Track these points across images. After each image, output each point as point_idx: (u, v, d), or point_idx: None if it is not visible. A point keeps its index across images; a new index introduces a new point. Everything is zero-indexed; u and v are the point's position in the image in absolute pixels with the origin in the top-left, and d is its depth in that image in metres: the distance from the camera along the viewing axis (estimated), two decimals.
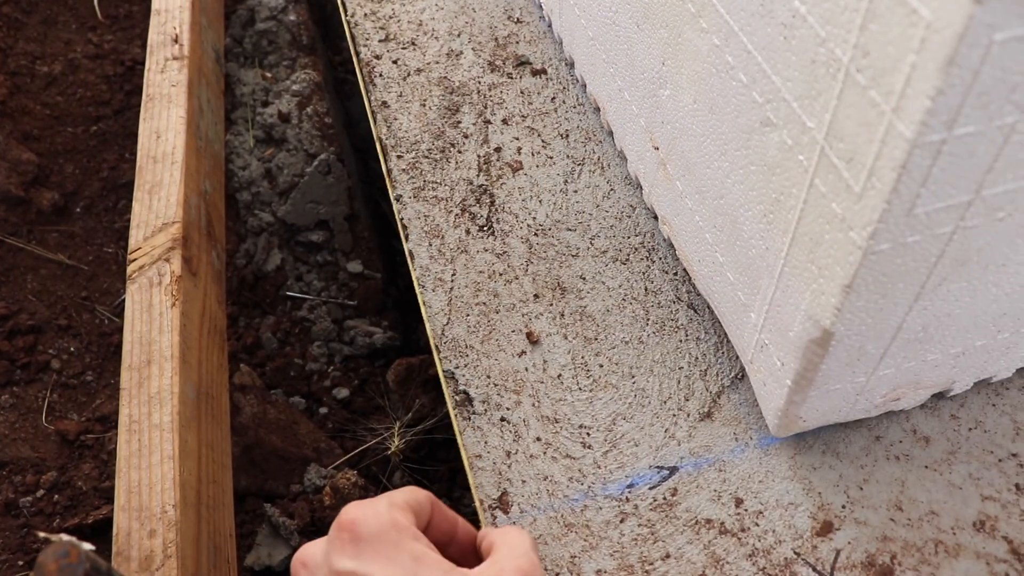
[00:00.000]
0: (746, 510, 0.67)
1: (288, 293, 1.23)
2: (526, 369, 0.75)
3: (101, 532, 1.03)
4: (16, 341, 1.20)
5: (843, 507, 0.67)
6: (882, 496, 0.68)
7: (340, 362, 1.21)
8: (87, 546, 0.49)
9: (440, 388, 1.06)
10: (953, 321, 0.59)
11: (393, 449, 1.03)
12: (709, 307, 0.78)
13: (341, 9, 1.08)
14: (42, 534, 0.49)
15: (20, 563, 1.02)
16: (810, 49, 0.49)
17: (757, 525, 0.67)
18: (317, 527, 0.99)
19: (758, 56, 0.56)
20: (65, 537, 0.48)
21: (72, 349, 1.23)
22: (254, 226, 1.24)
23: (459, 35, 1.03)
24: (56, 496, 1.09)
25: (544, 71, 0.98)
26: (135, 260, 0.89)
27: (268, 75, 1.36)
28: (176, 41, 1.14)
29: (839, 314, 0.54)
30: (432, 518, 0.57)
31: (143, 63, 1.18)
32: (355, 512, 0.51)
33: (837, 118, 0.48)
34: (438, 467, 1.12)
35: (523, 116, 0.94)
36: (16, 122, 1.41)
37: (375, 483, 1.06)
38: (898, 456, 0.70)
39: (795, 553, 0.65)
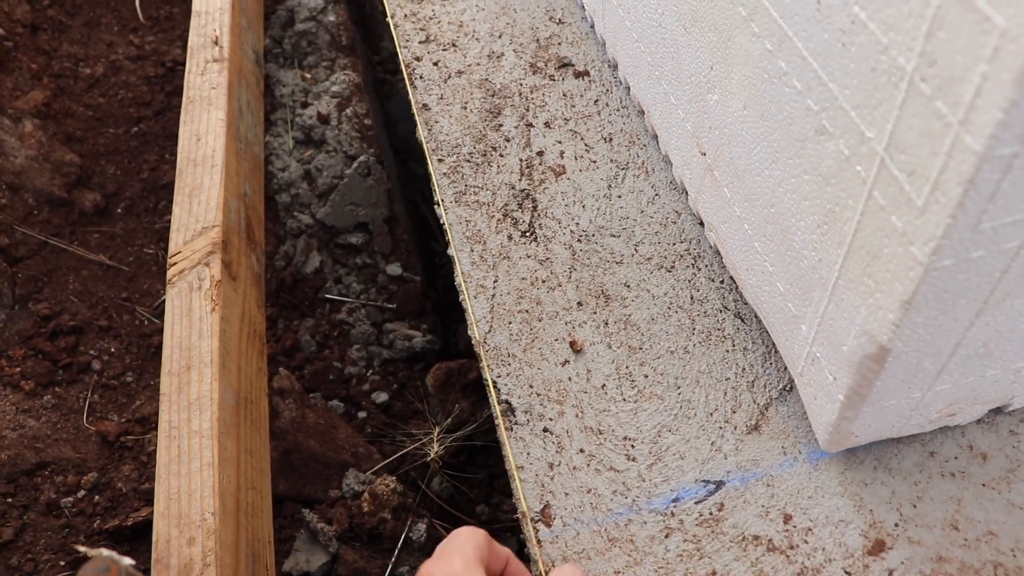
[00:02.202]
0: (795, 527, 0.66)
1: (327, 295, 1.23)
2: (569, 379, 0.74)
3: (141, 535, 1.04)
4: (58, 342, 1.20)
5: (896, 525, 0.65)
6: (937, 514, 0.65)
7: (379, 365, 1.21)
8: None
9: (480, 393, 1.05)
10: (1016, 336, 0.57)
11: (432, 455, 1.02)
12: (757, 317, 0.76)
13: (387, 9, 1.07)
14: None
15: (62, 563, 1.02)
16: (870, 56, 0.47)
17: (806, 542, 0.65)
18: (355, 533, 0.99)
19: (813, 62, 0.54)
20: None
21: (113, 350, 1.23)
22: (293, 228, 1.24)
23: (500, 36, 1.01)
24: (96, 497, 1.09)
25: (587, 73, 0.97)
26: (175, 264, 0.89)
27: (307, 76, 1.36)
28: (216, 43, 1.14)
29: (897, 330, 0.52)
30: (490, 558, 0.57)
31: (184, 64, 1.18)
32: (432, 573, 0.52)
33: (899, 129, 0.46)
34: (477, 473, 1.11)
35: (566, 119, 0.92)
36: (60, 124, 1.42)
37: (414, 489, 1.05)
38: (954, 473, 0.67)
39: (846, 573, 0.63)
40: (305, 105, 1.31)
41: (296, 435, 1.04)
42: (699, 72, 0.71)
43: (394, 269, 1.24)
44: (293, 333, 1.22)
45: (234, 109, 1.10)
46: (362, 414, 1.15)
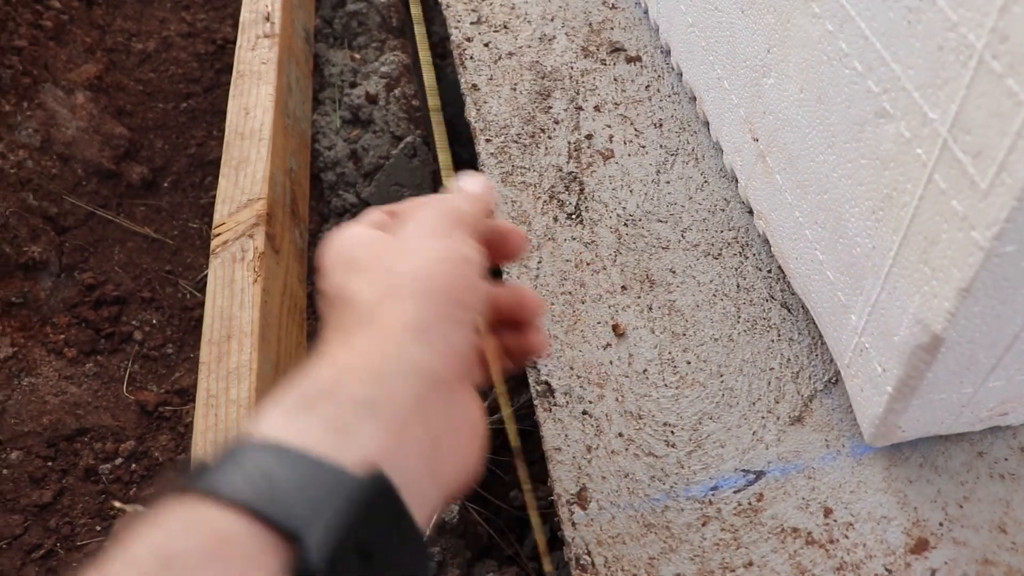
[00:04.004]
0: (835, 521, 0.64)
1: None
2: (611, 362, 0.73)
3: None
4: (102, 311, 1.22)
5: (940, 525, 0.64)
6: (984, 516, 0.64)
7: None
8: None
9: (517, 377, 1.04)
10: None
11: None
12: (803, 307, 0.74)
13: None
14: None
15: (98, 528, 1.03)
16: (938, 34, 0.46)
17: (847, 537, 0.63)
18: None
19: (876, 42, 0.52)
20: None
21: (154, 321, 1.24)
22: (337, 207, 1.24)
23: (552, 19, 1.01)
24: (133, 465, 1.10)
25: (639, 58, 0.95)
26: (219, 235, 0.89)
27: (357, 56, 1.36)
28: (268, 19, 1.14)
29: (952, 319, 0.50)
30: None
31: (234, 42, 1.19)
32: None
33: (965, 109, 0.45)
34: (512, 458, 1.10)
35: (616, 104, 0.91)
36: (111, 97, 1.43)
37: None
38: (1003, 475, 0.66)
39: (887, 570, 0.62)
40: (353, 85, 1.31)
41: None
42: (755, 56, 0.70)
43: None
44: None
45: (283, 85, 1.10)
46: None
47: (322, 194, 1.26)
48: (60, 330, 1.20)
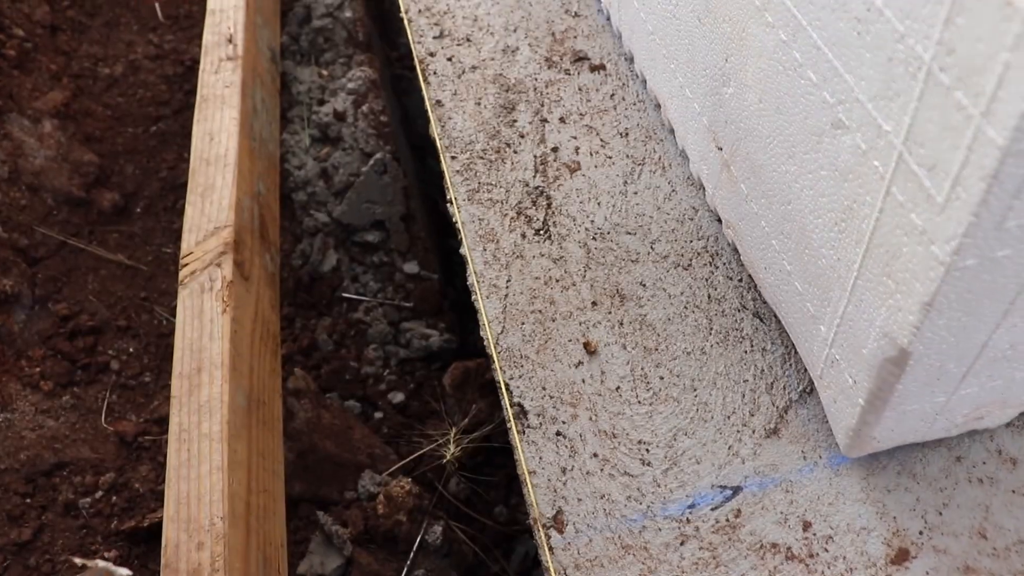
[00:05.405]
0: (815, 534, 0.63)
1: (344, 294, 1.22)
2: (583, 381, 0.72)
3: (157, 536, 1.03)
4: (77, 342, 1.20)
5: (920, 533, 0.63)
6: (964, 522, 0.63)
7: (396, 365, 1.19)
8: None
9: (498, 392, 1.04)
10: None
11: (449, 456, 1.00)
12: (776, 316, 0.74)
13: (401, 4, 1.05)
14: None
15: (79, 563, 1.02)
16: (887, 46, 0.45)
17: (826, 551, 0.63)
18: (371, 535, 0.98)
19: (828, 53, 0.51)
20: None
21: (131, 350, 1.23)
22: (310, 226, 1.23)
23: (515, 30, 0.99)
24: (114, 497, 1.09)
25: (603, 67, 0.94)
26: (186, 265, 0.88)
27: (324, 73, 1.35)
28: (230, 41, 1.13)
29: (918, 333, 0.50)
30: None
31: None
32: None
33: (917, 121, 0.44)
34: (495, 474, 1.09)
35: (581, 114, 0.90)
36: (79, 124, 1.42)
37: (430, 490, 1.04)
38: (981, 479, 0.65)
39: None
40: (322, 102, 1.30)
41: (311, 436, 1.03)
42: (714, 64, 0.69)
43: (411, 267, 1.23)
44: (310, 332, 1.21)
45: (248, 107, 1.09)
46: (378, 414, 1.14)
47: (294, 214, 1.25)
48: (35, 363, 1.18)
